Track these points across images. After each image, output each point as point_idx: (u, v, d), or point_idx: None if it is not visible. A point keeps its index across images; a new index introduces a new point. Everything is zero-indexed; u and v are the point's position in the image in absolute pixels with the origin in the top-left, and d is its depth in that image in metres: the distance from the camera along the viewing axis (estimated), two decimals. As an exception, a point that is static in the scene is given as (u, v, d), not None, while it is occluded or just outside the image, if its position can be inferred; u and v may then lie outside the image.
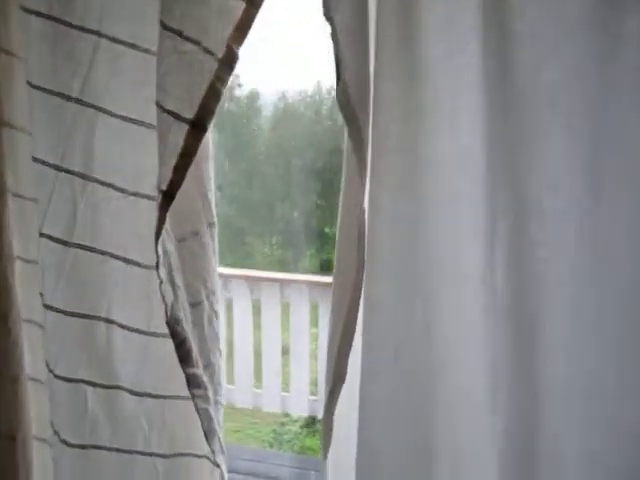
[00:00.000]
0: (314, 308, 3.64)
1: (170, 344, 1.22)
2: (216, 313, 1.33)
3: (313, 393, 3.56)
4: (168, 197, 1.13)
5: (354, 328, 1.18)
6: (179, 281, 1.23)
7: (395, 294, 1.18)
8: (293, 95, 6.53)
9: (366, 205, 1.17)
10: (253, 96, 6.43)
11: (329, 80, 6.42)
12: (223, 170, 6.87)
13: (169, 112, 1.12)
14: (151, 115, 1.17)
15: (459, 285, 1.17)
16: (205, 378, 1.28)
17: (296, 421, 4.37)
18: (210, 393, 1.29)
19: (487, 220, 1.15)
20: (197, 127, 1.11)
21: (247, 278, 3.58)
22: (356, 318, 1.18)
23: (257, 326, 3.71)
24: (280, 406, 3.65)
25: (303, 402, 3.57)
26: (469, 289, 1.17)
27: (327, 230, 7.20)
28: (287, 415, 4.17)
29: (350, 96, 1.11)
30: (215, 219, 1.31)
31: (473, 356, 1.19)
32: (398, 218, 1.16)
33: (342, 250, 1.25)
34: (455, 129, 1.14)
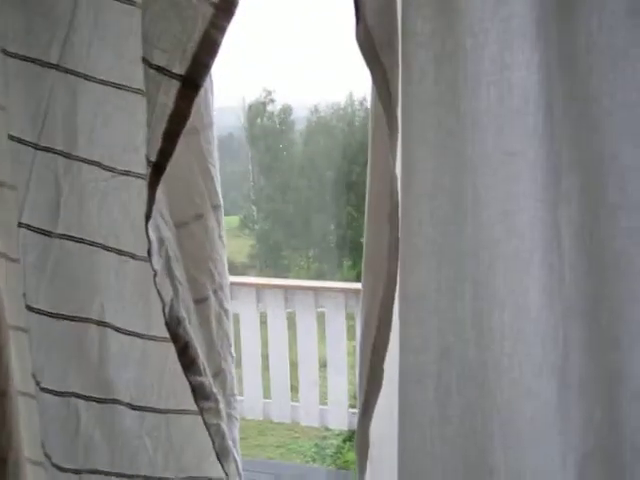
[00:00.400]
0: (351, 318, 3.39)
1: (174, 350, 0.99)
2: (226, 311, 1.09)
3: (353, 406, 3.30)
4: (158, 170, 0.90)
5: (390, 323, 0.93)
6: (179, 274, 1.00)
7: (438, 281, 0.93)
8: (325, 108, 6.33)
9: (398, 172, 0.92)
10: (286, 111, 6.25)
11: (361, 91, 6.22)
12: (259, 185, 6.70)
13: (157, 68, 0.90)
14: (140, 78, 0.94)
15: (517, 267, 0.91)
16: (215, 388, 1.04)
17: (338, 435, 4.13)
18: (221, 406, 1.06)
19: (548, 185, 0.90)
20: (189, 84, 0.88)
21: (280, 287, 3.35)
22: (392, 311, 0.93)
23: (292, 338, 3.48)
24: (318, 420, 3.39)
25: (342, 415, 3.31)
26: (529, 272, 0.91)
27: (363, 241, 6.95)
28: (329, 429, 3.93)
29: (373, 37, 0.87)
30: (221, 200, 1.07)
31: (537, 355, 0.93)
32: (438, 185, 0.91)
33: (371, 231, 1.00)
34: (504, 79, 0.89)
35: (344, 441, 4.11)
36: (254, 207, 6.42)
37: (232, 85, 5.97)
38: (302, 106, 6.24)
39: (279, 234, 6.41)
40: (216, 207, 1.06)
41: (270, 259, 6.42)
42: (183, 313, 0.99)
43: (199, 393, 1.01)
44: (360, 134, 6.44)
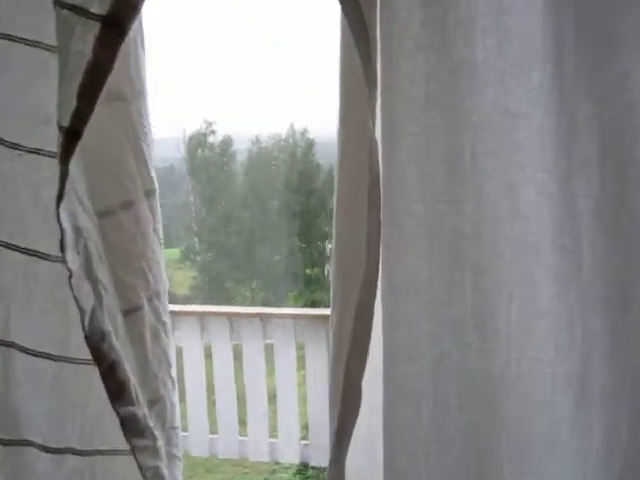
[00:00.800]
0: (300, 348, 3.17)
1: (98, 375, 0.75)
2: (164, 325, 0.86)
3: (304, 437, 3.06)
4: (72, 137, 0.68)
5: (369, 327, 0.72)
6: (103, 276, 0.77)
7: (430, 270, 0.73)
8: (266, 139, 6.17)
9: (378, 137, 0.73)
10: (227, 141, 6.06)
11: (302, 122, 6.09)
12: (200, 216, 6.43)
13: (71, 7, 0.68)
14: (52, 31, 0.73)
15: (525, 254, 0.72)
16: (151, 421, 0.81)
17: (288, 468, 3.86)
18: (160, 443, 0.82)
19: (560, 151, 0.71)
20: (112, 26, 0.67)
21: (225, 315, 3.10)
22: (372, 311, 0.72)
23: (239, 370, 3.22)
24: (268, 454, 3.13)
25: (294, 448, 3.06)
26: (540, 260, 0.72)
27: (309, 272, 6.74)
28: (279, 463, 3.66)
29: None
30: (156, 186, 0.85)
31: (550, 360, 0.73)
32: (429, 153, 0.72)
33: (343, 218, 0.80)
34: (501, 24, 0.71)
35: (294, 474, 3.85)
36: (196, 239, 6.14)
37: (172, 116, 5.75)
38: (243, 137, 6.06)
39: (222, 265, 6.14)
40: (150, 193, 0.84)
41: (213, 291, 6.12)
42: (108, 325, 0.75)
43: (131, 428, 0.78)
44: (302, 165, 6.28)
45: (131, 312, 0.82)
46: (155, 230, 0.84)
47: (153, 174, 0.84)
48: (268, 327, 3.07)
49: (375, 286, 0.72)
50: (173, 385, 0.87)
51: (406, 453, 0.74)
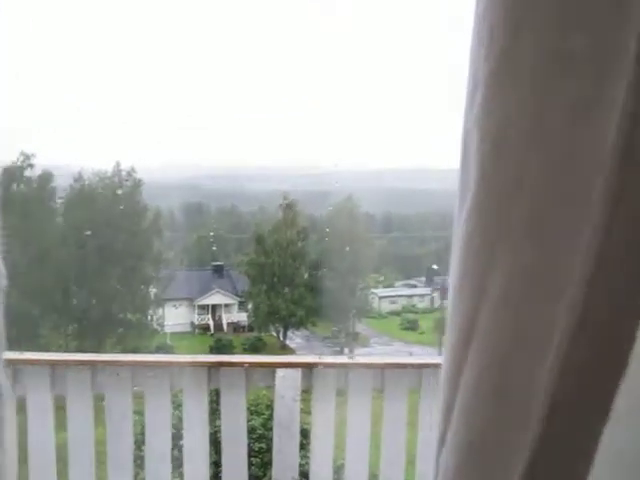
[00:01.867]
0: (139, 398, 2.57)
1: None
2: None
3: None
4: None
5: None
6: None
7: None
8: (91, 175, 5.44)
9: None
10: (46, 177, 5.22)
11: (128, 160, 5.47)
12: (13, 257, 5.45)
13: None
14: None
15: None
16: None
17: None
18: None
19: None
20: None
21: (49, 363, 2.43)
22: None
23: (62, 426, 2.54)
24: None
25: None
26: None
27: (130, 317, 5.90)
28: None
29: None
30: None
31: None
32: None
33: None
34: None
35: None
36: (8, 281, 5.17)
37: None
38: (65, 172, 5.28)
39: (36, 310, 5.20)
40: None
41: (26, 337, 5.14)
42: None
43: None
44: (127, 204, 5.60)
45: None
46: None
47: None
48: (99, 375, 2.45)
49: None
50: None
51: None
